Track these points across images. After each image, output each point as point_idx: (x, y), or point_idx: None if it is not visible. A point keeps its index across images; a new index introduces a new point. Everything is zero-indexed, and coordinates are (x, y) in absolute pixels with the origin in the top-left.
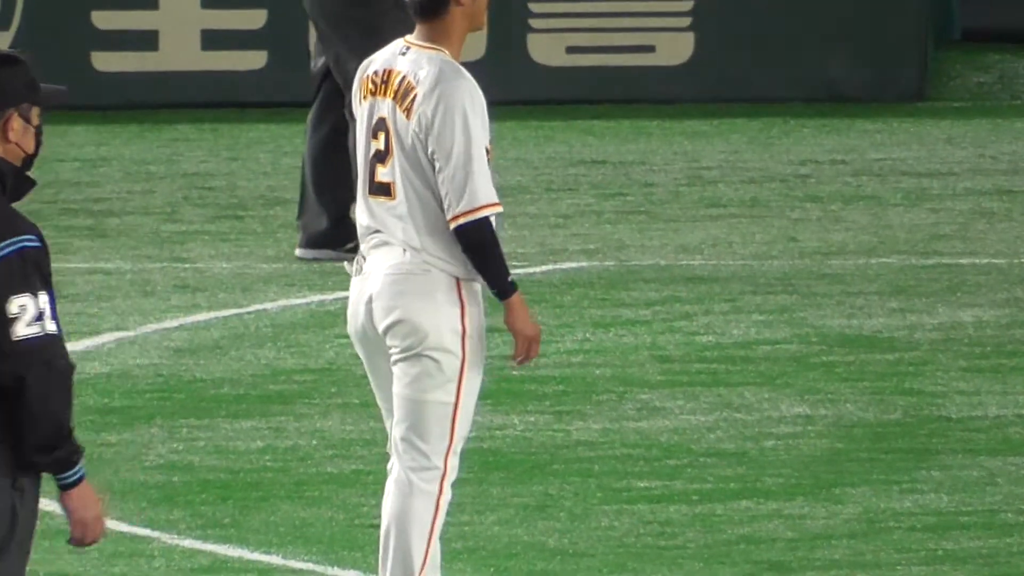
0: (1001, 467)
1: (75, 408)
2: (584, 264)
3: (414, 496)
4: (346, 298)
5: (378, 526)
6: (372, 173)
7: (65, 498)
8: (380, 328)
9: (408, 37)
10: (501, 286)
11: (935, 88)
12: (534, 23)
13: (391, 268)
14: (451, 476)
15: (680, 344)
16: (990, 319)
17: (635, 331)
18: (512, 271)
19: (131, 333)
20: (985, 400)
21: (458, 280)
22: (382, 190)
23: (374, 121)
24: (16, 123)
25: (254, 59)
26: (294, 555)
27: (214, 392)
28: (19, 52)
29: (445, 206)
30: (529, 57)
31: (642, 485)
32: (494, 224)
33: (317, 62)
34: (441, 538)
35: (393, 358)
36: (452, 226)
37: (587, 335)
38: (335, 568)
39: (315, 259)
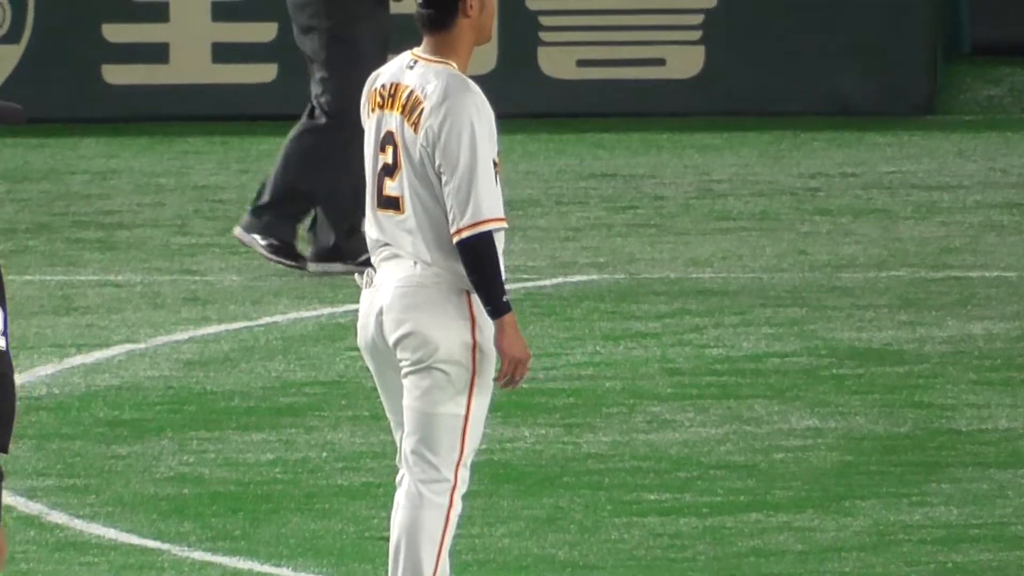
0: (1011, 480)
1: (84, 419)
2: (594, 277)
3: (424, 508)
4: (356, 310)
5: (388, 538)
6: (380, 187)
7: None
8: (390, 341)
9: (415, 50)
10: (496, 304)
11: (945, 101)
12: (545, 36)
13: (401, 281)
14: (461, 488)
15: (690, 357)
16: (1000, 332)
17: (645, 344)
18: (522, 284)
19: (141, 345)
20: (995, 413)
21: (468, 293)
22: (390, 204)
23: (382, 135)
24: None
25: (264, 72)
26: (304, 567)
27: (224, 404)
28: None
29: (449, 219)
30: (540, 70)
31: (652, 498)
32: (497, 241)
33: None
34: (451, 551)
35: (403, 371)
36: (455, 239)
37: (597, 348)
38: None
39: (325, 272)
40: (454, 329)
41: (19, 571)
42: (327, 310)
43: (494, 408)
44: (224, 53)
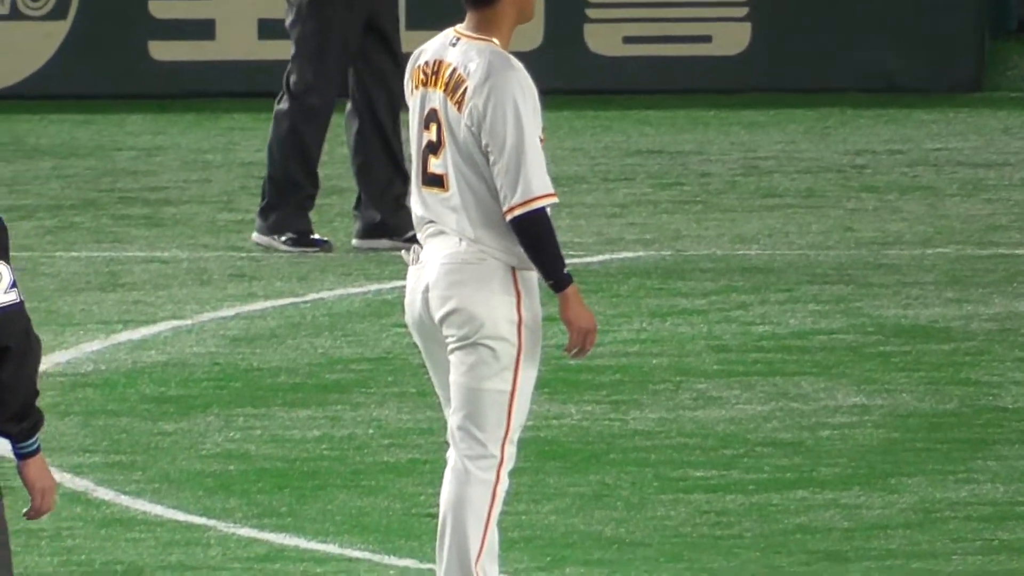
0: None
1: (130, 396)
2: (641, 254)
3: (471, 484)
4: (403, 287)
5: (434, 516)
6: (425, 164)
7: (24, 467)
8: (436, 317)
9: (458, 27)
10: (557, 277)
11: (991, 78)
12: (591, 13)
13: (447, 257)
14: (508, 464)
15: (736, 334)
16: None
17: (691, 321)
18: (569, 260)
19: (188, 322)
20: None
21: (514, 269)
22: (435, 181)
23: (426, 112)
24: None
25: None
26: (350, 544)
27: (271, 381)
28: None
29: (500, 198)
30: (586, 47)
31: (698, 475)
32: (550, 215)
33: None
34: (498, 527)
35: (449, 347)
36: (508, 218)
37: (643, 325)
38: (391, 557)
39: (371, 249)
40: (499, 305)
41: (65, 547)
42: (374, 286)
43: (540, 385)
44: (270, 29)
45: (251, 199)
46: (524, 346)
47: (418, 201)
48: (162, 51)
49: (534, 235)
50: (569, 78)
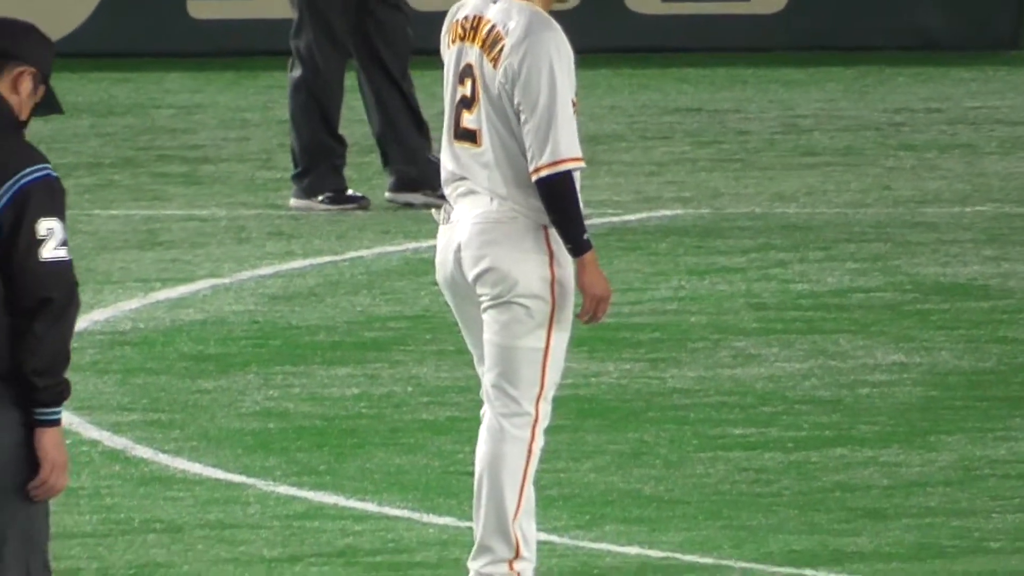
0: None
1: (169, 354)
2: (679, 212)
3: (506, 442)
4: None
5: (473, 473)
6: (458, 118)
7: (41, 436)
8: (469, 277)
9: None
10: (576, 242)
11: None
12: None
13: (479, 217)
14: (543, 422)
15: (775, 292)
16: None
17: (730, 279)
18: (607, 219)
19: (226, 280)
20: None
21: (545, 228)
22: (468, 136)
23: (461, 67)
24: (27, 83)
25: None
26: (389, 502)
27: (309, 339)
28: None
29: (528, 157)
30: (624, 6)
31: (737, 432)
32: (576, 179)
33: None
34: (536, 485)
35: (483, 306)
36: (534, 178)
37: (682, 283)
38: (430, 515)
39: (406, 203)
40: (532, 263)
41: (104, 505)
42: (412, 244)
43: (579, 343)
44: None
45: (289, 157)
46: (557, 304)
47: (449, 155)
48: (201, 9)
49: (558, 197)
50: (607, 37)
